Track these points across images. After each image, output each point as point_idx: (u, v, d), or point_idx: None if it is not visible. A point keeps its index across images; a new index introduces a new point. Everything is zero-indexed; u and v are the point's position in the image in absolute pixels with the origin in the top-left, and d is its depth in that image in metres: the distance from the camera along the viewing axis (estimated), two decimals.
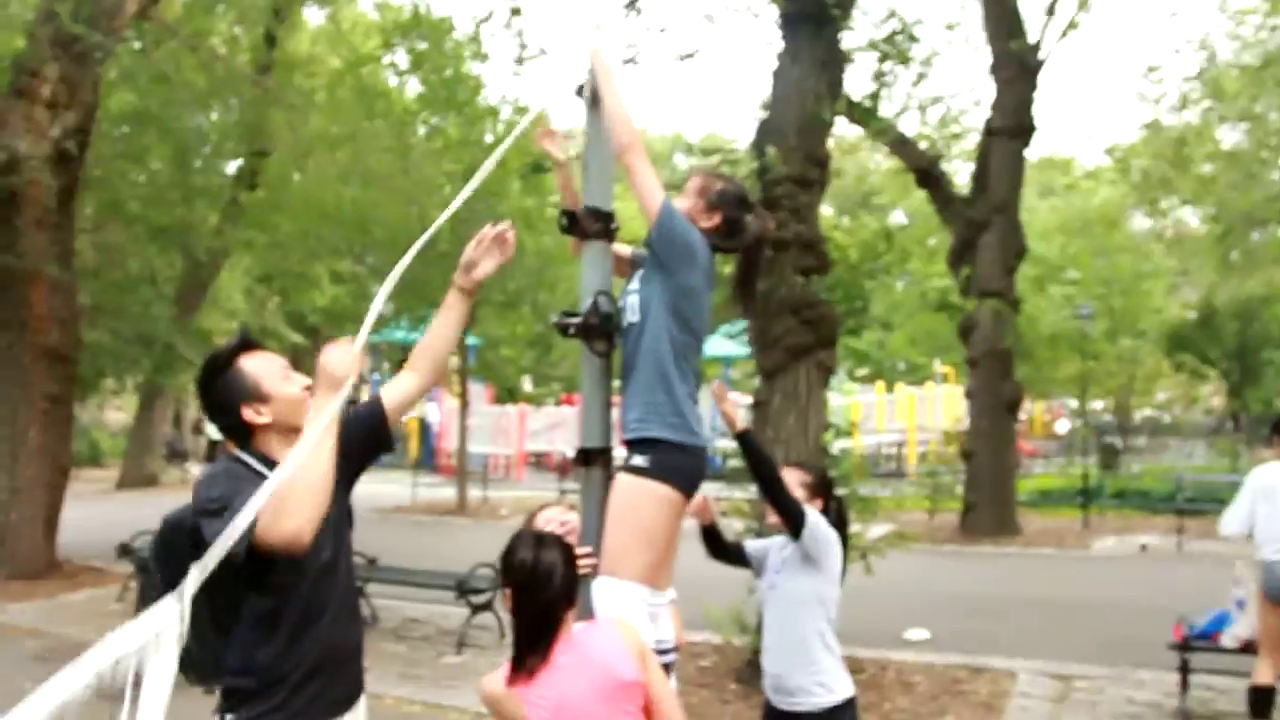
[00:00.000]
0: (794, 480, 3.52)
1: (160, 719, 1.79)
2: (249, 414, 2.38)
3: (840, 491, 6.72)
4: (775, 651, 3.55)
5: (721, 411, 3.37)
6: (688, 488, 2.81)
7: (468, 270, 2.71)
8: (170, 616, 1.88)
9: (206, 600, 2.27)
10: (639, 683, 2.40)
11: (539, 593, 2.36)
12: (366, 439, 2.60)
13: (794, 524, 3.40)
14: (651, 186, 2.84)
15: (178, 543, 2.38)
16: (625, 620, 2.56)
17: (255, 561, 2.18)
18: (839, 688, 3.45)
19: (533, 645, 2.36)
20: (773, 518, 3.59)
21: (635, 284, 2.93)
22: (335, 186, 13.62)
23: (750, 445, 3.39)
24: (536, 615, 2.37)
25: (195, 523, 2.25)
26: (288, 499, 2.09)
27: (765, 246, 3.23)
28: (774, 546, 3.69)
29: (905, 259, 11.54)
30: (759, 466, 3.39)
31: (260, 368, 2.41)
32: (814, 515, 3.46)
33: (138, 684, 1.81)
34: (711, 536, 3.74)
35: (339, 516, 2.52)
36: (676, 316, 2.84)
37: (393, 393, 2.71)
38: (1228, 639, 5.86)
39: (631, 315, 2.88)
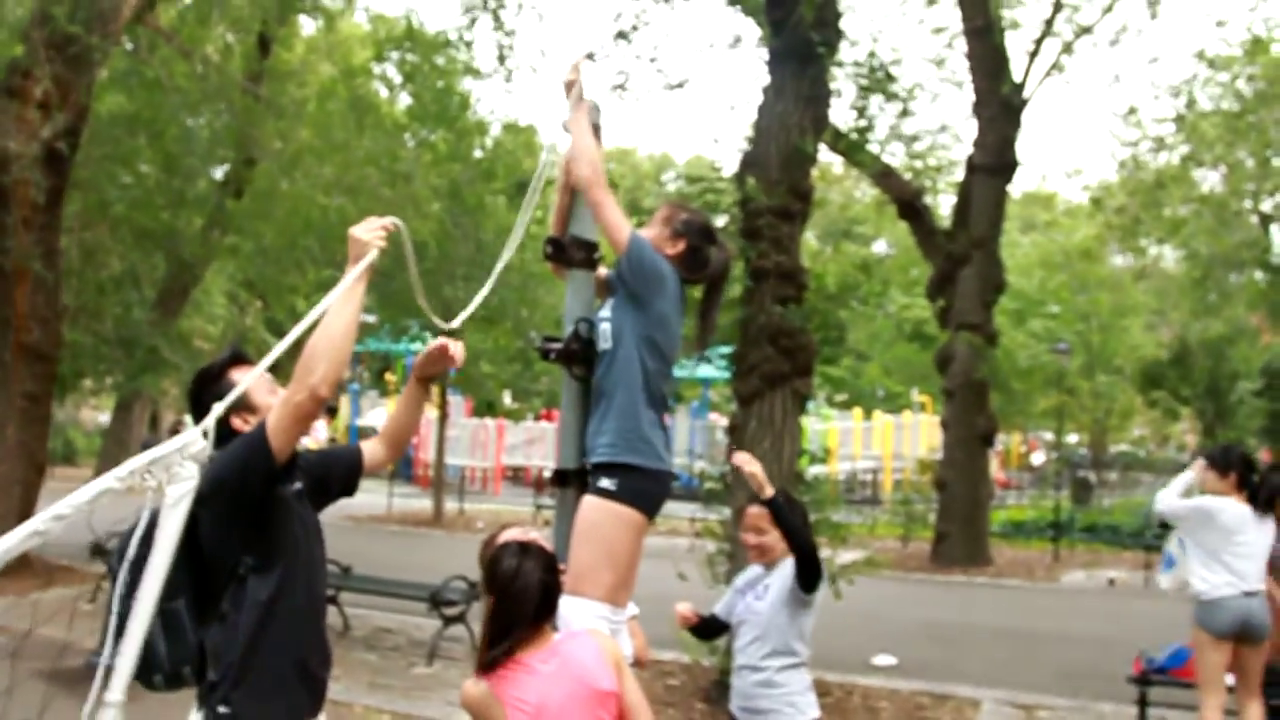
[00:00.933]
0: (766, 521, 3.62)
1: (179, 525, 2.12)
2: (237, 422, 2.53)
3: (812, 517, 6.86)
4: (750, 676, 3.63)
5: (749, 474, 3.49)
6: (651, 510, 2.91)
7: (422, 369, 2.90)
8: (194, 435, 2.20)
9: (191, 586, 2.44)
10: (614, 693, 2.48)
11: (519, 598, 2.43)
12: (344, 477, 2.86)
13: (815, 580, 3.53)
14: (617, 220, 2.94)
15: (151, 538, 2.50)
16: (603, 632, 2.65)
17: (259, 483, 2.40)
18: (809, 709, 3.56)
19: (498, 641, 2.42)
20: (750, 537, 3.71)
21: (607, 311, 3.01)
22: (321, 197, 13.66)
23: (779, 512, 3.51)
24: (512, 617, 2.43)
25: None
26: (310, 354, 2.35)
27: (727, 279, 3.31)
28: (743, 582, 3.83)
29: (884, 290, 11.70)
30: (792, 534, 3.50)
31: (252, 385, 2.54)
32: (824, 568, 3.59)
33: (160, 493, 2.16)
34: (702, 629, 3.91)
35: (314, 525, 2.71)
36: (648, 345, 2.92)
37: (367, 454, 2.93)
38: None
39: (604, 342, 2.96)
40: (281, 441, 2.39)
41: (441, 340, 2.88)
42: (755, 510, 3.68)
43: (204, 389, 2.57)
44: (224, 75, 12.77)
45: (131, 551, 2.33)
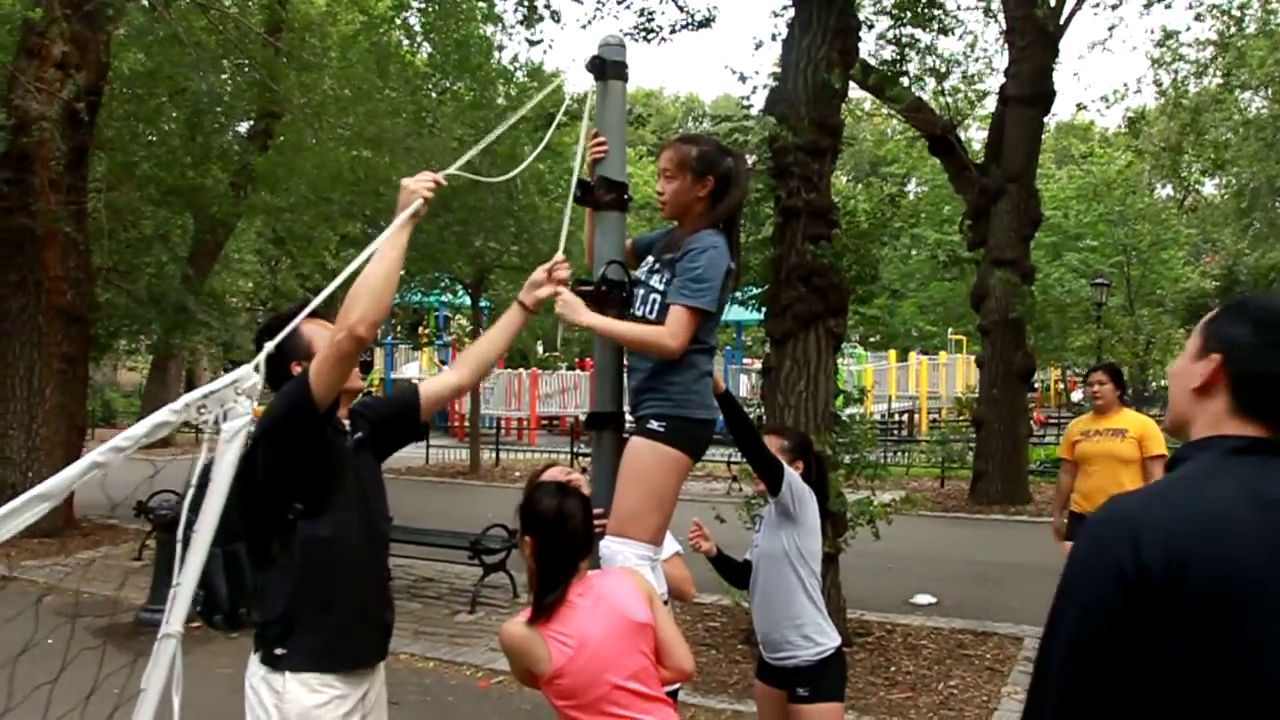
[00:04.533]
0: (774, 446, 3.55)
1: (235, 460, 2.17)
2: (297, 370, 2.58)
3: (847, 458, 6.79)
4: (761, 608, 3.58)
5: None
6: (697, 453, 2.85)
7: (533, 288, 2.88)
8: (247, 370, 2.26)
9: (246, 529, 2.50)
10: (649, 624, 2.50)
11: (561, 537, 2.45)
12: (400, 420, 2.91)
13: (773, 479, 3.45)
14: (647, 330, 2.80)
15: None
16: (633, 568, 2.65)
17: (305, 425, 2.46)
18: (824, 639, 3.46)
19: (553, 586, 2.45)
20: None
21: (657, 281, 2.86)
22: (347, 149, 13.59)
23: (731, 403, 3.38)
24: (558, 558, 2.46)
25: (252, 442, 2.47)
26: (353, 296, 2.43)
27: (746, 190, 3.16)
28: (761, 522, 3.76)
29: (916, 220, 11.48)
30: (738, 425, 3.40)
31: (314, 333, 2.64)
32: (790, 471, 3.50)
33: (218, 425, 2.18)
34: (724, 565, 3.83)
35: (372, 474, 2.78)
36: (712, 317, 2.84)
37: (432, 386, 2.97)
38: None
39: (647, 310, 2.84)
40: (323, 383, 2.43)
41: (546, 266, 2.87)
42: (773, 440, 3.62)
43: (269, 335, 2.60)
44: (242, 28, 12.64)
45: (190, 493, 2.35)
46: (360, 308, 2.41)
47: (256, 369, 2.29)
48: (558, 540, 2.46)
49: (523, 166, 3.11)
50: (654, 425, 2.78)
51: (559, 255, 2.87)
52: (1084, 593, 1.37)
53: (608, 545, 2.73)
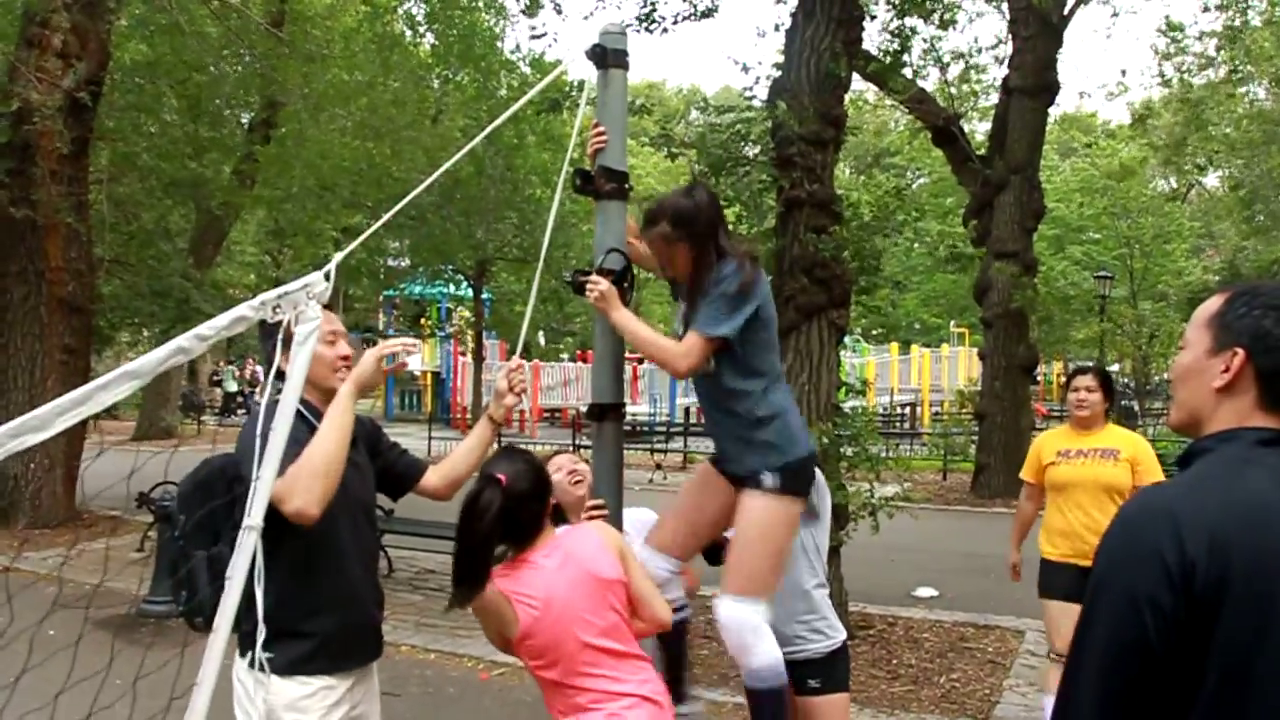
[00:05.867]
0: None
1: (307, 361, 2.25)
2: (281, 363, 2.52)
3: (849, 450, 6.77)
4: (775, 603, 3.56)
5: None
6: (808, 490, 2.93)
7: (499, 398, 2.88)
8: (317, 277, 2.29)
9: (233, 531, 2.43)
10: (620, 580, 2.50)
11: (474, 524, 2.40)
12: (393, 479, 2.90)
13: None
14: (692, 347, 2.80)
15: (215, 487, 2.57)
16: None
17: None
18: (834, 632, 3.42)
19: (464, 570, 2.39)
20: None
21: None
22: (349, 140, 13.57)
23: None
24: (467, 546, 2.40)
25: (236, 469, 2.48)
26: (298, 477, 2.33)
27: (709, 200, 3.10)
28: None
29: (920, 214, 11.45)
30: None
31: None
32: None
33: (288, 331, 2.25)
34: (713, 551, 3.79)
35: (366, 467, 2.75)
36: (754, 342, 2.85)
37: (429, 478, 2.94)
38: None
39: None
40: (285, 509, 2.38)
41: (506, 373, 2.89)
42: None
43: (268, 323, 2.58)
44: (244, 19, 12.61)
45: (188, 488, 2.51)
46: (310, 494, 2.34)
47: (327, 277, 2.31)
48: (468, 525, 2.40)
49: (485, 132, 3.05)
50: (768, 480, 2.81)
51: (515, 360, 2.89)
52: (1122, 587, 1.32)
53: (730, 608, 2.78)
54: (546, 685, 2.48)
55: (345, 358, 2.64)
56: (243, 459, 2.40)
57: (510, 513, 2.42)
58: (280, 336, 2.38)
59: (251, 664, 2.46)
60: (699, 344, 2.77)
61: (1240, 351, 1.44)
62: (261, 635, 2.38)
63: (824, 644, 3.42)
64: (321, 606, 2.52)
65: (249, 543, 2.17)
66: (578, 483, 3.15)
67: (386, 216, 2.62)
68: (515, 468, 2.48)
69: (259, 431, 2.27)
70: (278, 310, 2.24)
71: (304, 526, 2.40)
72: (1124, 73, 31.13)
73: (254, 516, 2.19)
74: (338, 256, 2.41)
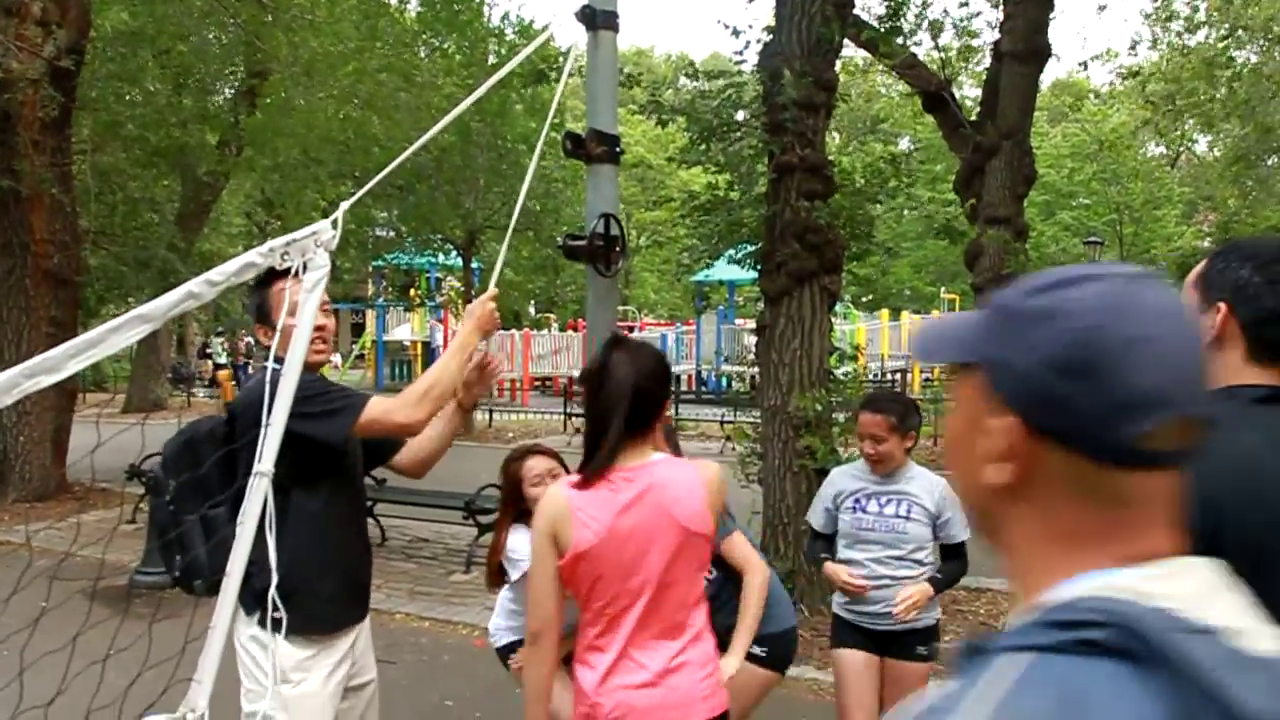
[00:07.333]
0: (881, 425, 3.55)
1: (315, 309, 2.31)
2: (260, 334, 2.64)
3: (841, 416, 6.77)
4: (890, 585, 3.48)
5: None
6: (788, 663, 3.12)
7: (468, 388, 2.87)
8: (324, 225, 2.33)
9: (231, 495, 2.45)
10: (703, 534, 2.21)
11: (603, 387, 2.22)
12: (376, 449, 2.93)
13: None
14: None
15: (202, 451, 2.60)
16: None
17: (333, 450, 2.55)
18: (936, 604, 3.60)
19: (594, 448, 2.22)
20: (868, 446, 3.58)
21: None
22: (335, 109, 13.42)
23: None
24: (600, 413, 2.22)
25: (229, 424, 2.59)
26: (409, 395, 2.56)
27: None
28: (848, 493, 3.63)
29: (913, 182, 11.42)
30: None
31: (281, 297, 2.58)
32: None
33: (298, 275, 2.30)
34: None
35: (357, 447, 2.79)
36: None
37: (401, 453, 2.98)
38: None
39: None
40: (364, 431, 2.59)
41: (477, 358, 2.89)
42: (871, 418, 3.53)
43: (256, 288, 2.66)
44: None
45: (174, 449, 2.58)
46: (423, 411, 2.55)
47: (334, 224, 2.34)
48: (598, 390, 2.21)
49: (476, 94, 3.01)
50: (756, 650, 2.90)
51: (488, 354, 2.95)
52: None
53: None
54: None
55: (321, 329, 2.58)
56: (247, 408, 2.46)
57: (640, 392, 2.20)
58: (273, 295, 2.47)
59: (262, 622, 2.49)
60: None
61: (1223, 306, 1.44)
62: (274, 590, 2.39)
63: (935, 614, 3.58)
64: (333, 564, 2.60)
65: (260, 488, 2.20)
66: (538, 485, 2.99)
67: (390, 168, 2.68)
68: (643, 353, 2.28)
69: (268, 379, 2.29)
70: (286, 257, 2.26)
71: (322, 487, 2.55)
72: (1115, 52, 31.12)
73: (264, 463, 2.22)
74: (344, 204, 2.42)
